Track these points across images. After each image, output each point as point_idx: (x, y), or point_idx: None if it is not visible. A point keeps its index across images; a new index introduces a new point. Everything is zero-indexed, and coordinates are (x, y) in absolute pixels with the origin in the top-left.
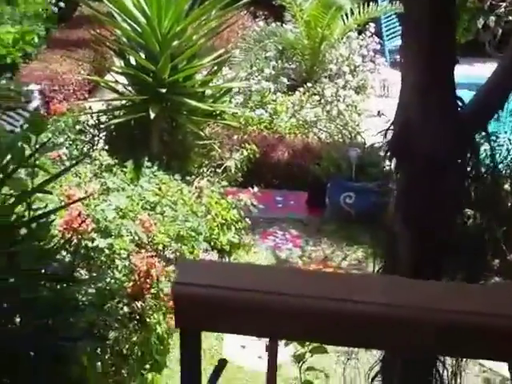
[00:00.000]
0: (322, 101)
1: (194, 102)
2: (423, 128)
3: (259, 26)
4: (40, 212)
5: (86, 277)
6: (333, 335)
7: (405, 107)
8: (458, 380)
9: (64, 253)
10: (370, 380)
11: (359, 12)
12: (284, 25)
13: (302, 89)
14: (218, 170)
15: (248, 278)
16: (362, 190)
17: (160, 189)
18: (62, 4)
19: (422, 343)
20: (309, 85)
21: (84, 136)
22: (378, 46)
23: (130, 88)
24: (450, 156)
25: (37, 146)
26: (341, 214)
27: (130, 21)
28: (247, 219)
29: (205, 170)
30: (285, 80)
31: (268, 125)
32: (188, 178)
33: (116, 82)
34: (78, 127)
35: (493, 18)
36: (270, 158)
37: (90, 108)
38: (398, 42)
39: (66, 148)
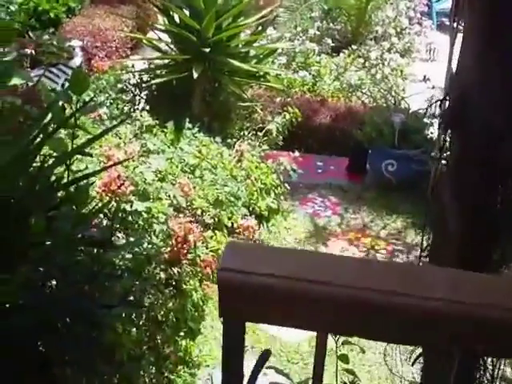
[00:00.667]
0: (367, 64)
1: (236, 63)
2: (481, 95)
3: None
4: (79, 175)
5: (124, 241)
6: (393, 333)
7: (461, 73)
8: None
9: (102, 216)
10: (411, 362)
11: None
12: None
13: (346, 51)
14: (259, 133)
15: (299, 264)
16: (405, 158)
17: (200, 151)
18: None
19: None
20: (354, 47)
21: (125, 95)
22: (426, 9)
23: (172, 46)
24: (509, 125)
25: (78, 106)
26: (382, 181)
27: None
28: (286, 184)
29: (246, 132)
30: (329, 41)
31: (311, 87)
32: (229, 140)
33: (159, 39)
34: (119, 86)
35: None
36: (312, 122)
37: (133, 66)
38: (446, 4)
39: (107, 107)
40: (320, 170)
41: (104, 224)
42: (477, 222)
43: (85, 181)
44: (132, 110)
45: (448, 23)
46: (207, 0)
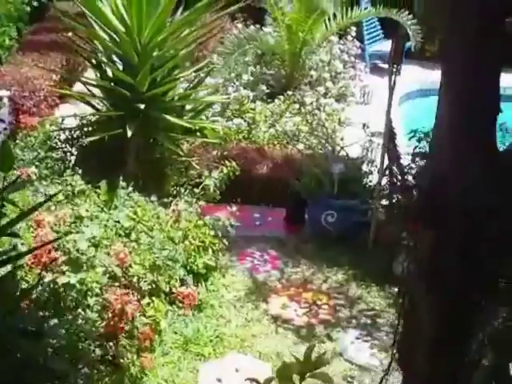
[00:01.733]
0: (302, 110)
1: (172, 118)
2: (458, 184)
3: (238, 28)
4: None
5: (56, 321)
6: None
7: (439, 151)
8: None
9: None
10: None
11: (342, 16)
12: (263, 28)
13: (281, 97)
14: (196, 189)
15: None
16: (344, 208)
17: (135, 213)
18: (35, 3)
19: None
20: (289, 93)
21: (55, 153)
22: (359, 51)
23: (105, 101)
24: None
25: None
26: (321, 232)
27: (107, 29)
28: (224, 240)
29: (182, 189)
30: (264, 88)
31: (246, 135)
32: (165, 199)
33: (91, 95)
34: (49, 143)
35: None
36: (249, 172)
37: (63, 121)
38: (379, 46)
39: (36, 166)
40: (258, 222)
41: (35, 313)
42: (454, 318)
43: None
44: (62, 168)
45: (381, 65)
46: (141, 54)
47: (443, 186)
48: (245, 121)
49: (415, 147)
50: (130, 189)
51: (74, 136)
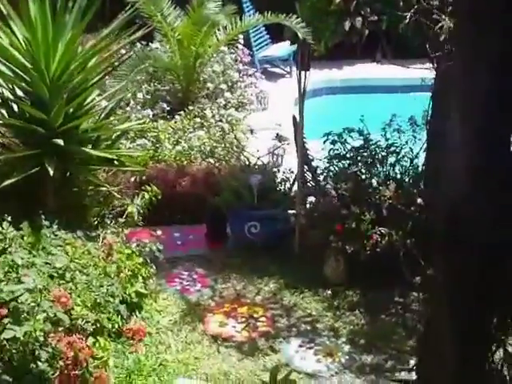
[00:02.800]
0: (205, 123)
1: (88, 150)
2: (477, 212)
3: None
4: None
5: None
6: None
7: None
8: None
9: None
10: None
11: (232, 26)
12: (151, 44)
13: (182, 112)
14: (120, 218)
15: None
16: (267, 218)
17: (66, 252)
18: None
19: None
20: (190, 108)
21: None
22: (249, 58)
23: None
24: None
25: None
26: (246, 244)
27: (10, 64)
28: (152, 264)
29: (107, 220)
30: (164, 105)
31: (152, 155)
32: (92, 233)
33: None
34: None
35: (359, 19)
36: (166, 192)
37: None
38: (267, 51)
39: None
40: (179, 242)
41: None
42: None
43: None
44: None
45: (271, 69)
46: (51, 87)
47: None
48: (149, 140)
49: (330, 150)
50: (55, 227)
51: None
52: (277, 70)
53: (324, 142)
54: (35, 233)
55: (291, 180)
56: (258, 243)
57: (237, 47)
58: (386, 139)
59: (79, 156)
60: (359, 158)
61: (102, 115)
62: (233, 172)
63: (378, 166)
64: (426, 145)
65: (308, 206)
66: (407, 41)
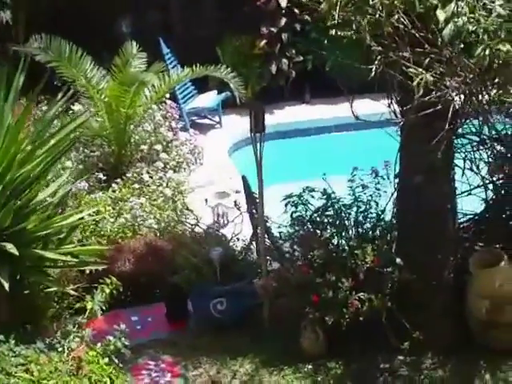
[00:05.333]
0: (145, 189)
1: (39, 251)
2: None
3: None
4: None
5: None
6: None
7: None
8: None
9: None
10: None
11: (160, 84)
12: (72, 106)
13: (119, 179)
14: (79, 318)
15: None
16: (233, 293)
17: (28, 370)
18: None
19: None
20: (125, 173)
21: None
22: (177, 113)
23: None
24: None
25: None
26: (211, 323)
27: None
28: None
29: (72, 327)
30: (100, 175)
31: (93, 230)
32: (53, 341)
33: None
34: None
35: (285, 61)
36: (112, 272)
37: None
38: (193, 103)
39: None
40: (139, 326)
41: None
42: None
43: None
44: None
45: (199, 121)
46: None
47: None
48: (89, 215)
49: (292, 212)
50: (12, 341)
51: None
52: (205, 120)
53: (286, 205)
54: None
55: (253, 248)
56: (225, 321)
57: (165, 103)
58: (354, 195)
59: (29, 258)
60: (325, 219)
61: (49, 209)
62: (187, 245)
63: (348, 226)
64: (393, 199)
65: (274, 275)
66: (334, 79)
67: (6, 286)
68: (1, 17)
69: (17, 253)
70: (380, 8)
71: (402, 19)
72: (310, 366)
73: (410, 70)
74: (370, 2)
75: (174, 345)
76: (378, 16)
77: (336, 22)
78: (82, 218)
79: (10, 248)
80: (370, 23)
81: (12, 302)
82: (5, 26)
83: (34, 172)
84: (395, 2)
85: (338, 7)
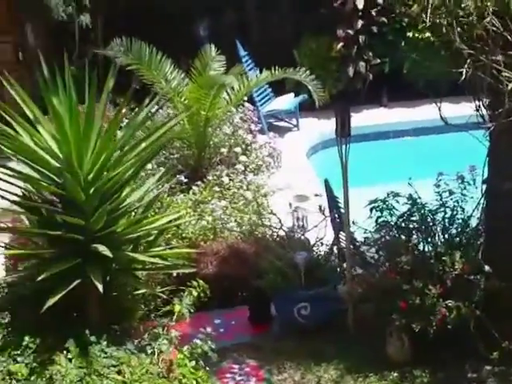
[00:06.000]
0: (225, 191)
1: (129, 253)
2: None
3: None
4: None
5: None
6: None
7: None
8: None
9: None
10: None
11: (240, 86)
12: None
13: (200, 182)
14: (168, 321)
15: None
16: (318, 298)
17: (121, 372)
18: None
19: None
20: (206, 175)
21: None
22: (256, 115)
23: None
24: None
25: None
26: (295, 327)
27: (42, 169)
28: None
29: (160, 330)
30: (182, 178)
31: (175, 232)
32: (139, 341)
33: (35, 244)
34: None
35: (362, 63)
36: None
37: None
38: (270, 106)
39: None
40: (222, 330)
41: None
42: None
43: None
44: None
45: (276, 123)
46: (87, 189)
47: None
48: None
49: (378, 217)
50: (104, 342)
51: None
52: (283, 123)
53: (370, 210)
54: (82, 352)
55: (335, 253)
56: (309, 325)
57: (243, 105)
58: (441, 200)
59: (119, 260)
60: (410, 225)
61: (138, 212)
62: (271, 248)
63: (435, 232)
64: (482, 205)
65: (358, 280)
66: (412, 82)
67: (100, 287)
68: (80, 20)
69: (110, 255)
70: (472, 10)
71: (494, 21)
72: (395, 374)
73: (503, 73)
74: (462, 5)
75: (257, 349)
76: (469, 18)
77: (425, 24)
78: (170, 221)
79: (103, 250)
80: (461, 26)
81: (102, 303)
82: (84, 29)
83: (125, 176)
84: (488, 4)
85: (429, 10)
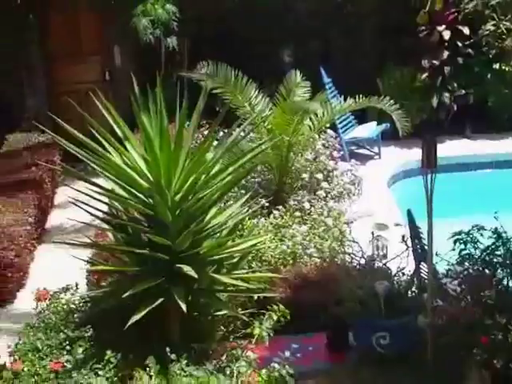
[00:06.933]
0: (306, 217)
1: (212, 275)
2: None
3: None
4: None
5: None
6: None
7: None
8: None
9: None
10: None
11: (324, 113)
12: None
13: (280, 207)
14: (243, 341)
15: None
16: (398, 328)
17: None
18: None
19: None
20: (287, 200)
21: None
22: (338, 142)
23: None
24: None
25: None
26: (373, 357)
27: (129, 187)
28: None
29: (239, 351)
30: (263, 201)
31: (255, 255)
32: (218, 362)
33: (122, 262)
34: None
35: (447, 94)
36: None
37: (77, 287)
38: (353, 133)
39: (68, 352)
40: (299, 355)
41: None
42: None
43: None
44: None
45: (357, 151)
46: (173, 210)
47: None
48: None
49: (461, 250)
50: (184, 362)
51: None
52: (364, 151)
53: (454, 242)
54: (163, 369)
55: (416, 283)
56: (387, 355)
57: (325, 132)
58: None
59: (201, 280)
60: (495, 259)
61: (223, 234)
62: (352, 276)
63: None
64: None
65: (439, 312)
66: (496, 114)
67: (184, 306)
68: (167, 43)
69: (195, 275)
70: None
71: None
72: None
73: None
74: None
75: (334, 376)
76: None
77: None
78: (254, 245)
79: (188, 270)
80: None
81: (182, 322)
82: (170, 52)
83: (211, 198)
84: None
85: None
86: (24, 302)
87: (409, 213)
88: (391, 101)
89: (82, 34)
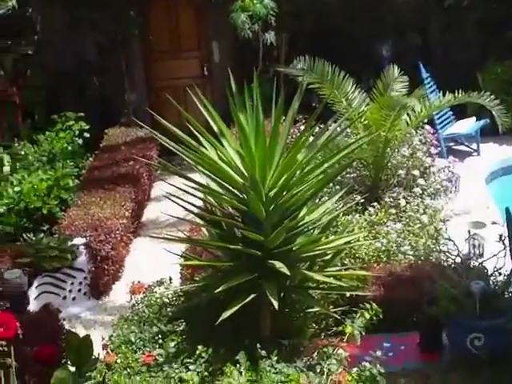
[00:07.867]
0: (401, 214)
1: (305, 272)
2: None
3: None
4: None
5: None
6: None
7: None
8: None
9: None
10: None
11: (422, 109)
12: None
13: (376, 204)
14: (335, 339)
15: None
16: (493, 329)
17: None
18: (86, 134)
19: None
20: (386, 199)
21: (177, 325)
22: (436, 138)
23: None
24: None
25: None
26: (467, 358)
27: (224, 183)
28: None
29: (330, 350)
30: (358, 197)
31: (348, 252)
32: (308, 359)
33: (216, 258)
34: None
35: None
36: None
37: (171, 280)
38: (451, 129)
39: (160, 346)
40: (391, 354)
41: None
42: None
43: None
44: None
45: (455, 147)
46: (268, 206)
47: None
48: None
49: None
50: (274, 358)
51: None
52: (462, 147)
53: None
54: (253, 366)
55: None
56: (482, 357)
57: (422, 127)
58: None
59: (295, 278)
60: None
61: (316, 231)
62: (446, 275)
63: None
64: None
65: None
66: None
67: (276, 303)
68: (265, 38)
69: (288, 272)
70: None
71: None
72: None
73: None
74: None
75: (426, 377)
76: None
77: None
78: (349, 242)
79: (280, 267)
80: None
81: (273, 318)
82: (268, 47)
83: (305, 195)
84: None
85: None
86: (119, 294)
87: (507, 211)
88: (491, 96)
89: (181, 30)
